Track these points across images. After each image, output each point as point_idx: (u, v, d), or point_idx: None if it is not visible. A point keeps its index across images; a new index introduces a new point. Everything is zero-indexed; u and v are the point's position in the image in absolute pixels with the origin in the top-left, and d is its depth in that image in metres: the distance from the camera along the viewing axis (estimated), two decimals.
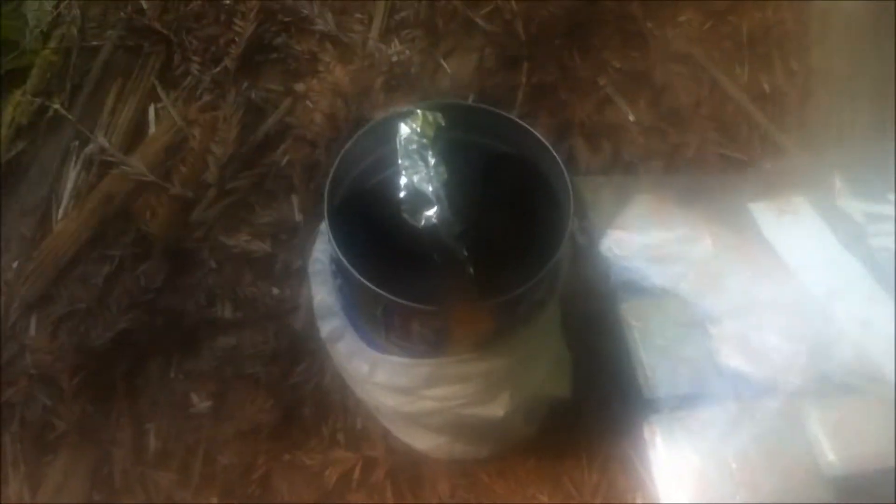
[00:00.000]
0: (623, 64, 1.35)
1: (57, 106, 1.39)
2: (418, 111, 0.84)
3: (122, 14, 1.48)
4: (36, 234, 1.27)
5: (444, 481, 1.08)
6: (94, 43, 1.47)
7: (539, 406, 1.02)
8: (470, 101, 1.31)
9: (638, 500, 1.03)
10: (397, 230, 0.80)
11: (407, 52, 1.39)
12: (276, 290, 1.20)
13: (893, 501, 0.94)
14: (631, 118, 1.30)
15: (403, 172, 0.81)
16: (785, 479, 0.95)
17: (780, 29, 1.37)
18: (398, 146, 0.82)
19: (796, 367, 1.00)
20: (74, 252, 1.24)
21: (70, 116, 1.38)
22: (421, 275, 0.82)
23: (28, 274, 1.23)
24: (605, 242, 1.12)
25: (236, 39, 1.41)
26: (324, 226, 0.87)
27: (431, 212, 0.79)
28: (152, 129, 1.36)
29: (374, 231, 0.87)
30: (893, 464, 0.94)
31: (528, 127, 0.92)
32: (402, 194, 0.80)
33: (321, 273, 0.95)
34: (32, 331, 1.19)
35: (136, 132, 1.36)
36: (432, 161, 0.81)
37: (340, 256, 0.83)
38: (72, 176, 1.32)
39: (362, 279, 0.81)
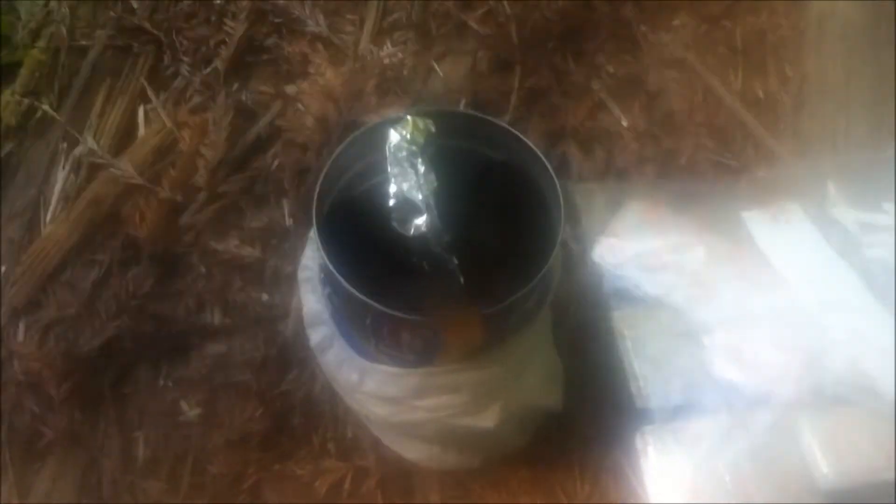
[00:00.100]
0: (617, 69, 1.35)
1: (45, 107, 1.38)
2: (408, 118, 0.83)
3: (111, 13, 1.47)
4: (24, 238, 1.26)
5: (435, 491, 1.07)
6: (84, 43, 1.46)
7: (531, 416, 1.02)
8: (462, 106, 1.31)
9: None
10: (387, 238, 0.80)
11: (399, 54, 1.38)
12: (265, 297, 1.19)
13: None
14: (624, 123, 1.29)
15: (393, 180, 0.80)
16: (778, 492, 0.94)
17: (775, 34, 1.36)
18: (388, 153, 0.81)
19: (789, 378, 0.99)
20: (62, 257, 1.23)
21: (58, 118, 1.37)
22: (411, 284, 0.82)
23: (16, 279, 1.21)
24: (598, 250, 1.12)
25: (227, 40, 1.40)
26: (313, 232, 0.87)
27: (421, 220, 0.78)
28: (141, 131, 1.35)
29: (363, 239, 0.87)
30: (887, 476, 0.93)
31: (519, 134, 0.92)
32: (391, 202, 0.79)
33: (310, 280, 0.95)
34: (20, 337, 1.18)
35: (126, 134, 1.35)
36: (422, 169, 0.81)
37: (329, 265, 0.82)
38: (60, 178, 1.31)
39: (351, 288, 0.81)
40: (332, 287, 0.87)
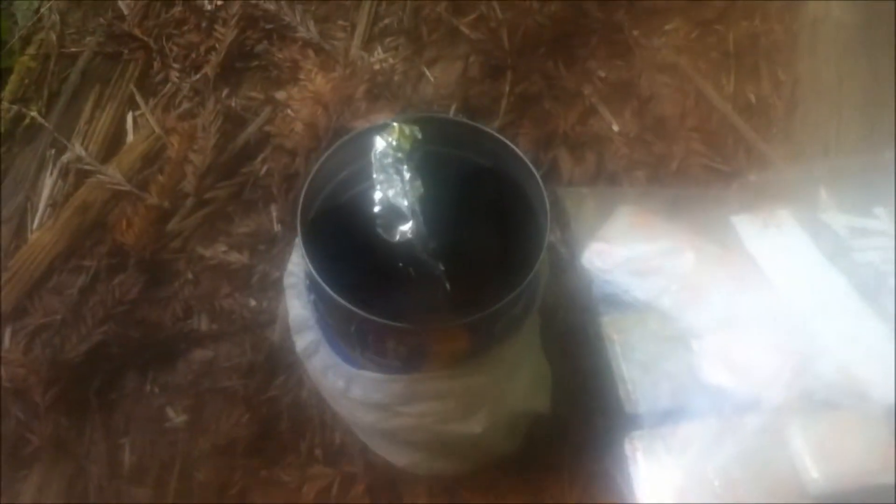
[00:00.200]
0: (608, 73, 1.34)
1: (34, 113, 1.37)
2: (394, 124, 0.82)
3: (101, 20, 1.47)
4: (11, 244, 1.26)
5: (423, 497, 1.06)
6: (74, 49, 1.46)
7: (519, 422, 1.01)
8: (453, 111, 1.30)
9: None
10: (372, 245, 0.79)
11: (390, 60, 1.38)
12: (253, 303, 1.19)
13: None
14: (615, 128, 1.29)
15: (378, 187, 0.80)
16: (768, 496, 0.94)
17: (768, 38, 1.35)
18: (373, 160, 0.81)
19: (779, 382, 0.98)
20: (49, 263, 1.23)
21: (47, 124, 1.37)
22: (396, 291, 0.82)
23: (2, 285, 1.21)
24: (587, 255, 1.11)
25: (217, 46, 1.40)
26: (298, 239, 0.86)
27: (406, 227, 0.78)
28: (130, 138, 1.35)
29: (348, 246, 0.86)
30: (877, 481, 0.93)
31: (506, 140, 0.91)
32: (376, 209, 0.79)
33: (296, 286, 0.94)
34: (6, 343, 1.18)
35: (114, 140, 1.35)
36: (408, 175, 0.80)
37: (313, 272, 0.82)
38: (48, 185, 1.30)
39: (335, 295, 0.80)
40: (317, 294, 0.87)
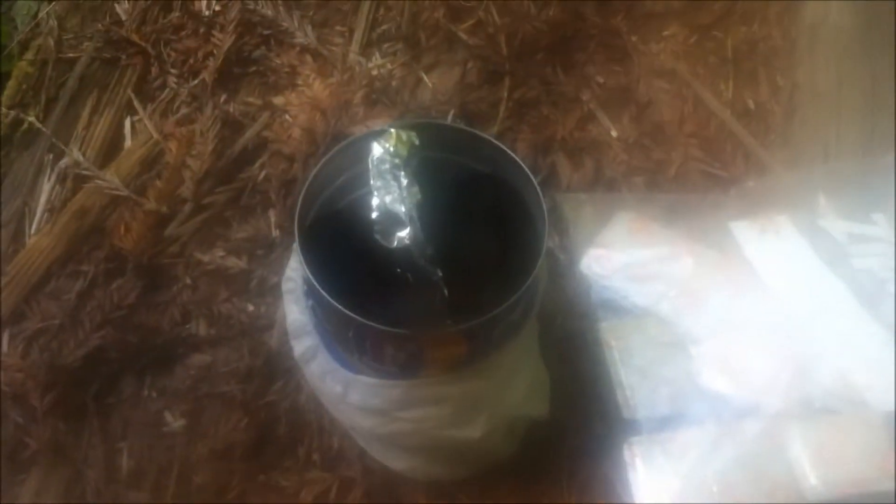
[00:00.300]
0: (607, 79, 1.34)
1: (32, 118, 1.37)
2: (392, 130, 0.83)
3: (99, 25, 1.47)
4: (8, 248, 1.26)
5: (421, 502, 1.06)
6: (71, 55, 1.46)
7: (517, 427, 1.01)
8: (451, 117, 1.30)
9: None
10: (370, 251, 0.79)
11: (388, 65, 1.38)
12: (251, 307, 1.18)
13: None
14: (614, 134, 1.29)
15: (375, 193, 0.80)
16: (766, 502, 0.94)
17: (767, 44, 1.35)
18: (370, 166, 0.81)
19: (778, 388, 0.99)
20: (47, 268, 1.23)
21: (45, 129, 1.36)
22: (394, 296, 0.82)
23: (0, 289, 1.21)
24: (586, 260, 1.11)
25: (215, 52, 1.40)
26: (296, 244, 0.86)
27: (404, 233, 0.78)
28: (128, 143, 1.35)
29: (346, 251, 0.86)
30: (875, 488, 0.93)
31: (503, 146, 0.91)
32: (374, 215, 0.79)
33: (294, 291, 0.94)
34: (4, 348, 1.18)
35: (112, 146, 1.35)
36: (405, 181, 0.80)
37: (311, 277, 0.82)
38: (45, 190, 1.30)
39: (332, 301, 0.80)
40: (315, 299, 0.87)
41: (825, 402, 0.98)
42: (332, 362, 0.90)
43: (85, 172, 1.30)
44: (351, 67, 1.36)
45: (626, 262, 1.10)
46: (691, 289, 1.07)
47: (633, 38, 1.37)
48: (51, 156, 1.34)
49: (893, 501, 0.92)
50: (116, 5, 1.48)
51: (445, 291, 0.78)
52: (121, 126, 1.37)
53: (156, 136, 1.33)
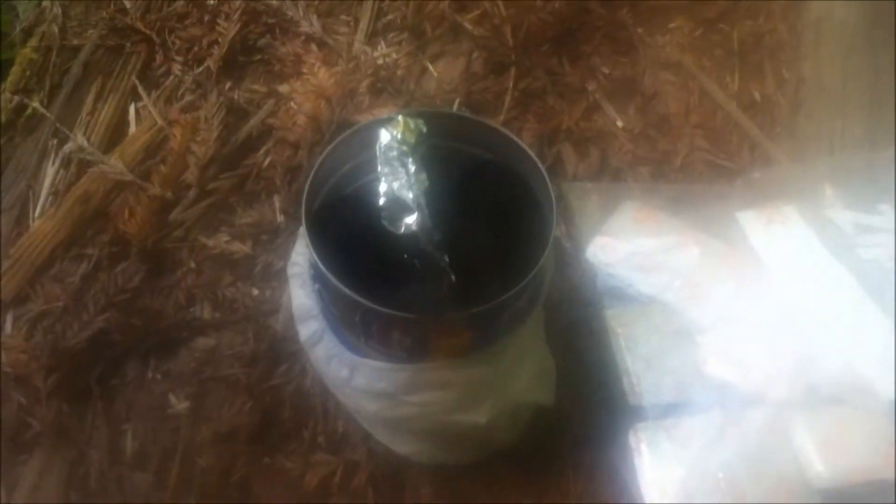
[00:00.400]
0: (612, 70, 1.34)
1: (36, 104, 1.37)
2: (399, 118, 0.82)
3: (104, 13, 1.47)
4: (13, 232, 1.26)
5: (426, 486, 1.06)
6: (76, 42, 1.46)
7: (522, 413, 1.01)
8: (456, 106, 1.30)
9: None
10: (377, 237, 0.79)
11: (393, 55, 1.38)
12: (256, 292, 1.19)
13: None
14: (619, 125, 1.29)
15: (383, 179, 0.80)
16: (772, 491, 0.94)
17: (772, 37, 1.35)
18: (378, 153, 0.81)
19: (783, 377, 0.98)
20: (51, 251, 1.23)
21: (49, 115, 1.36)
22: (401, 282, 0.82)
23: (4, 272, 1.21)
24: (592, 249, 1.11)
25: (220, 40, 1.40)
26: (303, 229, 0.86)
27: (411, 219, 0.78)
28: (132, 129, 1.35)
29: (353, 237, 0.86)
30: (881, 476, 0.93)
31: (510, 134, 0.91)
32: (381, 201, 0.79)
33: (300, 276, 0.94)
34: (8, 329, 1.18)
35: (116, 131, 1.35)
36: (412, 168, 0.80)
37: (318, 261, 0.82)
38: (49, 174, 1.31)
39: (340, 285, 0.80)
40: (322, 283, 0.87)
41: (831, 390, 0.98)
42: (339, 346, 0.90)
43: (89, 157, 1.30)
44: (356, 57, 1.36)
45: (632, 252, 1.10)
46: (697, 278, 1.07)
47: (639, 31, 1.37)
48: (55, 141, 1.34)
49: None
50: None
51: (452, 277, 0.78)
52: (125, 112, 1.37)
53: (160, 122, 1.33)
